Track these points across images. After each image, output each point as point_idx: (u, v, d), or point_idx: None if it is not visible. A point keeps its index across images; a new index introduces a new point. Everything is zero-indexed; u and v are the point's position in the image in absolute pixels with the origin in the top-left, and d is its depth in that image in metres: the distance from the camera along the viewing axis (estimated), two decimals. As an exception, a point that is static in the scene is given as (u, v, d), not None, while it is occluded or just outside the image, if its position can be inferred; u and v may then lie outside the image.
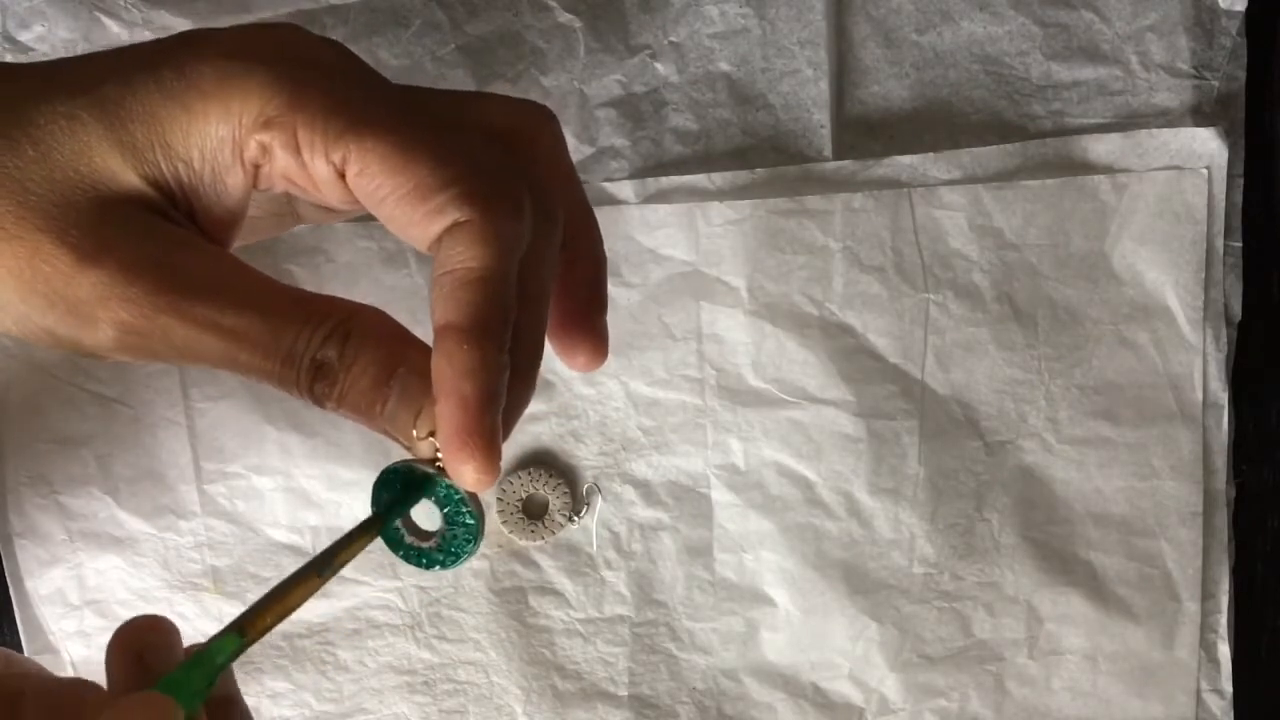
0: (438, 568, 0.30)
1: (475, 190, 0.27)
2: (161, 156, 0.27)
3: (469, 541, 0.29)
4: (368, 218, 0.42)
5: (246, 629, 0.27)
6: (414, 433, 0.27)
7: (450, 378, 0.26)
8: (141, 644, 0.28)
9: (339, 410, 0.27)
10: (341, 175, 0.27)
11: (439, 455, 0.27)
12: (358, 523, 0.28)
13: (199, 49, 0.28)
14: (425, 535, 0.30)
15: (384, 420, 0.27)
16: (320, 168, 0.27)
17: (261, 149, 0.27)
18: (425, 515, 0.29)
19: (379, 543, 0.29)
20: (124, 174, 0.27)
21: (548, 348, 0.30)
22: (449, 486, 0.28)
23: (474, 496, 0.28)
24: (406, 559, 0.30)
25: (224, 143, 0.27)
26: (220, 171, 0.28)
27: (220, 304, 0.27)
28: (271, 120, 0.27)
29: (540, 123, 0.31)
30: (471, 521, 0.29)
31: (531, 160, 0.30)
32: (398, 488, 0.28)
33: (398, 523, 0.29)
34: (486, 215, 0.27)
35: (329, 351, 0.27)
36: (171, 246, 0.27)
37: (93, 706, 0.27)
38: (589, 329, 0.32)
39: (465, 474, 0.26)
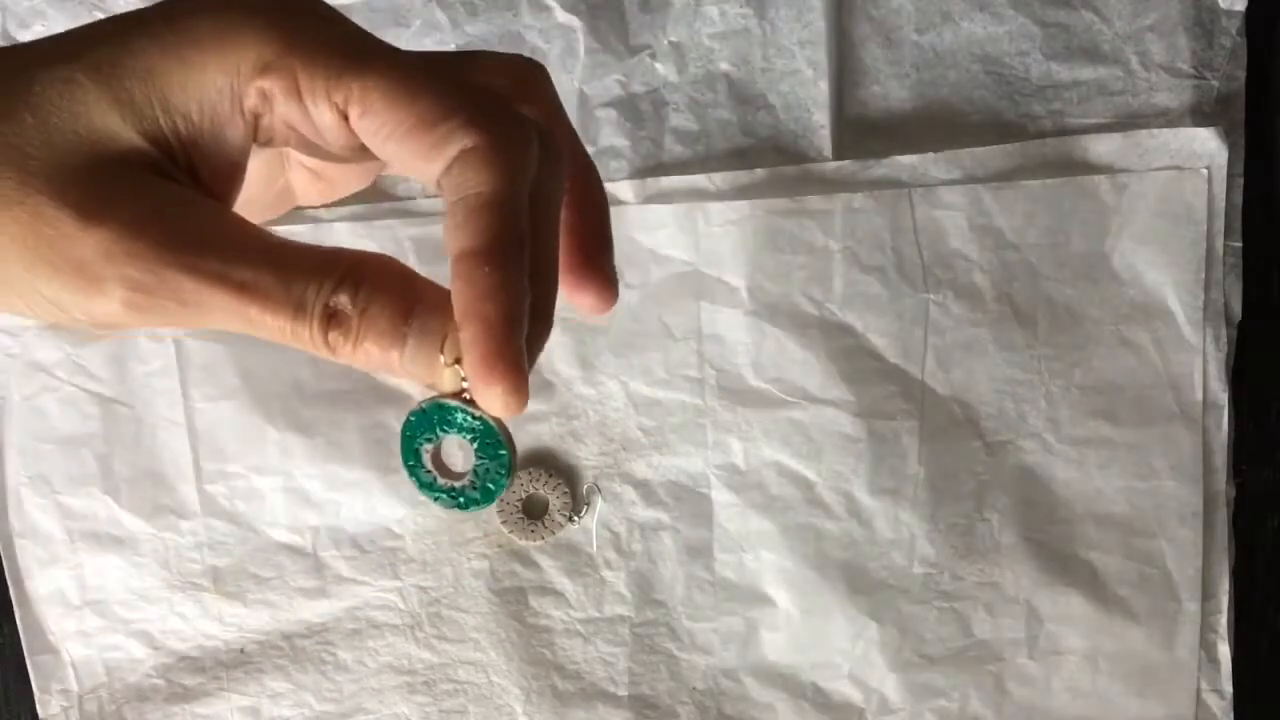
0: (474, 506, 0.29)
1: (480, 117, 0.27)
2: (160, 112, 0.27)
3: (502, 475, 0.28)
4: (365, 217, 0.42)
5: None
6: (439, 362, 0.27)
7: (473, 301, 0.26)
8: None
9: (354, 358, 0.27)
10: (344, 117, 0.27)
11: (465, 386, 0.27)
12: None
13: (193, 3, 0.28)
14: (457, 475, 0.29)
15: (405, 360, 0.27)
16: (322, 111, 0.27)
17: (261, 96, 0.27)
18: (456, 454, 0.29)
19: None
20: (123, 133, 0.27)
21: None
22: (479, 417, 0.27)
23: (504, 427, 0.28)
24: (439, 501, 0.29)
25: (223, 94, 0.27)
26: (220, 124, 0.28)
27: (228, 256, 0.26)
28: (270, 65, 0.27)
29: (533, 73, 0.31)
30: (504, 452, 0.28)
31: (529, 104, 0.30)
32: (427, 427, 0.28)
33: (428, 465, 0.29)
34: (494, 140, 0.26)
35: (341, 298, 0.27)
36: (175, 202, 0.27)
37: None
38: (597, 269, 0.31)
39: (494, 397, 0.26)
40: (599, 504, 0.44)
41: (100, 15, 0.42)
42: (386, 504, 0.43)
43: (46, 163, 0.26)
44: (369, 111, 0.27)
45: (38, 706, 0.44)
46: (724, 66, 0.42)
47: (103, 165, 0.27)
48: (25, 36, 0.42)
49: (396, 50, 0.29)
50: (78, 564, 0.44)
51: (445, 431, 0.28)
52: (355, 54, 0.27)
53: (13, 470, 0.44)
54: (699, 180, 0.42)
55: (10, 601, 0.44)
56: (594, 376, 0.43)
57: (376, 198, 0.42)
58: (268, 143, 0.29)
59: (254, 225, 0.28)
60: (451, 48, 0.42)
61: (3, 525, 0.44)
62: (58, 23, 0.42)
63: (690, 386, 0.43)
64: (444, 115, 0.27)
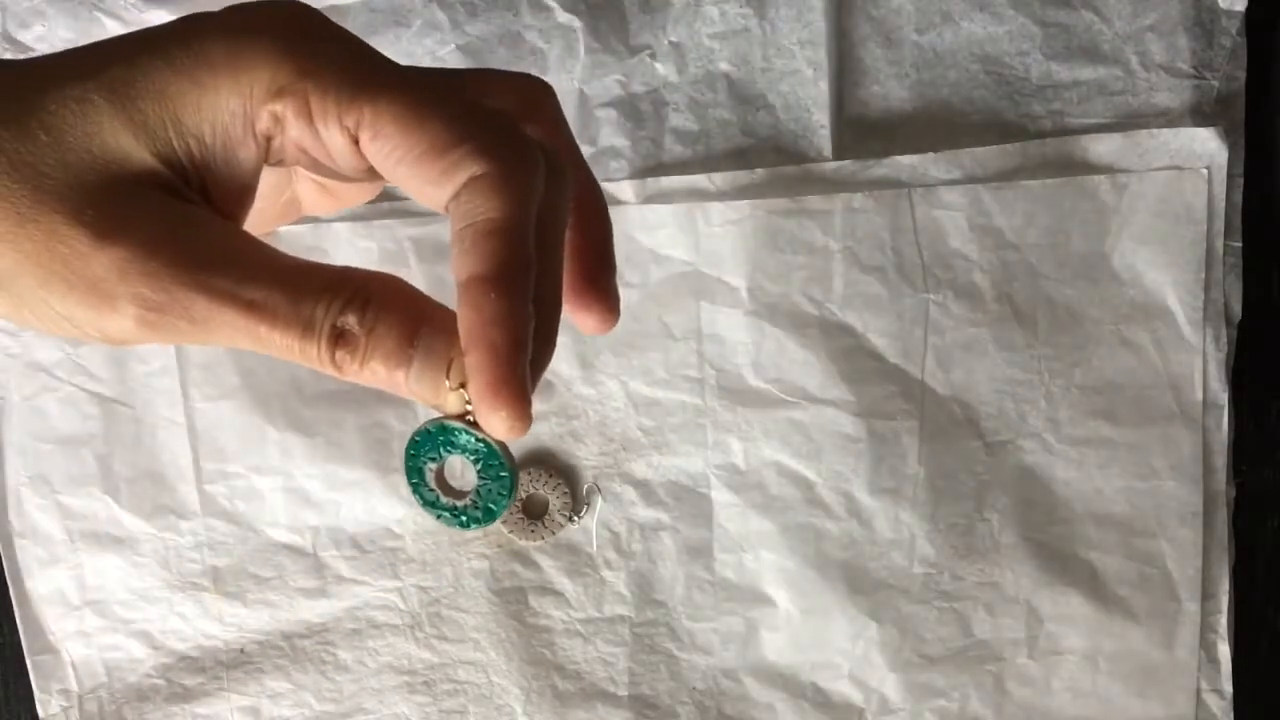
0: (475, 525, 0.30)
1: (489, 144, 0.27)
2: (173, 133, 0.28)
3: (504, 495, 0.29)
4: (365, 217, 0.42)
5: None
6: (444, 385, 0.27)
7: (479, 326, 0.26)
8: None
9: (361, 375, 0.27)
10: (355, 141, 0.28)
11: (469, 409, 0.27)
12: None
13: (206, 25, 0.28)
14: (460, 494, 0.30)
15: (410, 381, 0.27)
16: (334, 134, 0.27)
17: (273, 119, 0.28)
18: (458, 474, 0.30)
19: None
20: (137, 153, 0.27)
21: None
22: (481, 440, 0.28)
23: (506, 450, 0.28)
24: (441, 519, 0.30)
25: (235, 116, 0.28)
26: (232, 146, 0.28)
27: (239, 276, 0.27)
28: (283, 89, 0.27)
29: (539, 92, 0.31)
30: (505, 474, 0.29)
31: (535, 125, 0.30)
32: (430, 448, 0.29)
33: (431, 483, 0.30)
34: (502, 167, 0.27)
35: (349, 318, 0.27)
36: (187, 222, 0.27)
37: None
38: (600, 289, 0.32)
39: (498, 422, 0.26)
40: (599, 504, 0.44)
41: (100, 15, 0.42)
42: (386, 504, 0.43)
43: (61, 181, 0.27)
44: (380, 136, 0.27)
45: (38, 706, 0.44)
46: (724, 66, 0.42)
47: (116, 185, 0.27)
48: (25, 37, 0.42)
49: (407, 71, 0.29)
50: (78, 564, 0.44)
51: (449, 452, 0.29)
52: (367, 77, 0.27)
53: (13, 470, 0.44)
54: (699, 180, 0.42)
55: (10, 601, 0.44)
56: (594, 376, 0.43)
57: (376, 197, 0.42)
58: (279, 163, 0.29)
59: (265, 244, 0.28)
60: (451, 48, 0.42)
61: (3, 525, 0.44)
62: (58, 23, 0.42)
63: (690, 386, 0.43)
64: (454, 142, 0.27)
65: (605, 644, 0.44)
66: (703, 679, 0.44)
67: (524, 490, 0.43)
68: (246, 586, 0.44)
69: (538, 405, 0.43)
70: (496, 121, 0.28)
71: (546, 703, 0.44)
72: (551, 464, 0.43)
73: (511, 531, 0.43)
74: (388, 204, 0.42)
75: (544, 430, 0.43)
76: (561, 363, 0.43)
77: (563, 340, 0.42)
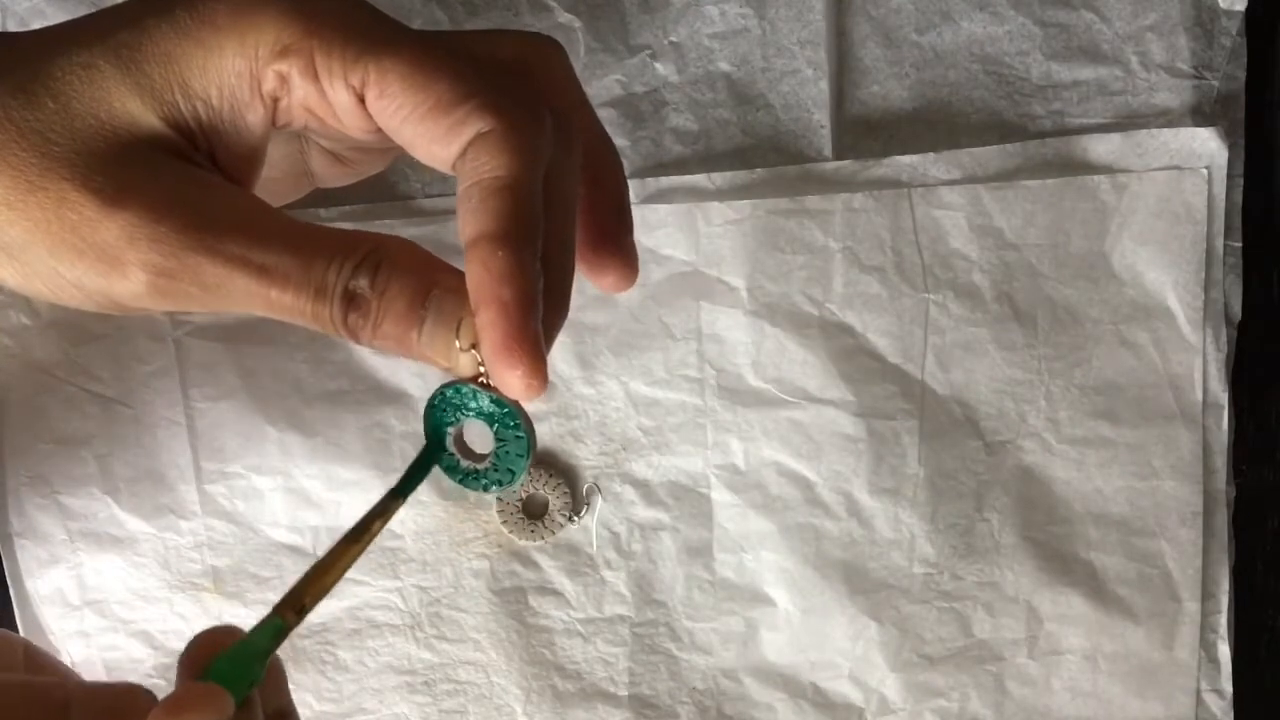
0: (495, 488, 0.30)
1: (495, 101, 0.27)
2: (180, 97, 0.28)
3: (522, 456, 0.29)
4: (364, 216, 0.42)
5: (286, 613, 0.27)
6: (456, 346, 0.27)
7: (489, 285, 0.26)
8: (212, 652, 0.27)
9: (374, 341, 0.27)
10: (361, 100, 0.27)
11: (483, 371, 0.27)
12: (384, 494, 0.29)
13: None
14: (478, 457, 0.30)
15: (422, 344, 0.27)
16: (340, 93, 0.27)
17: (279, 79, 0.27)
18: (477, 437, 0.30)
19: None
20: (144, 118, 0.27)
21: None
22: (496, 401, 0.28)
23: (522, 410, 0.28)
24: (463, 483, 0.30)
25: (241, 77, 0.28)
26: (239, 108, 0.28)
27: (249, 240, 0.27)
28: (288, 48, 0.27)
29: (549, 52, 0.31)
30: (522, 435, 0.28)
31: (545, 84, 0.30)
32: (448, 412, 0.29)
33: (451, 447, 0.29)
34: (509, 124, 0.27)
35: (360, 281, 0.27)
36: (196, 186, 0.27)
37: (142, 712, 0.27)
38: (617, 248, 0.32)
39: (513, 381, 0.26)
40: (599, 504, 0.44)
41: (100, 15, 0.42)
42: (386, 504, 0.43)
43: (68, 148, 0.27)
44: (385, 94, 0.27)
45: (38, 706, 0.44)
46: (724, 66, 0.42)
47: (124, 150, 0.27)
48: (25, 36, 0.42)
49: (415, 32, 0.29)
50: (78, 564, 0.44)
51: (465, 415, 0.28)
52: (373, 36, 0.27)
53: (13, 470, 0.43)
54: (699, 180, 0.42)
55: (10, 601, 0.44)
56: (594, 376, 0.43)
57: (376, 195, 0.42)
58: (286, 125, 0.29)
59: (274, 209, 0.28)
60: (451, 48, 0.42)
61: (3, 525, 0.44)
62: (57, 21, 0.42)
63: (690, 386, 0.43)
64: (460, 99, 0.27)
65: (605, 644, 0.44)
66: (703, 679, 0.44)
67: (524, 490, 0.43)
68: (246, 586, 0.44)
69: (537, 404, 0.43)
70: (503, 78, 0.28)
71: (546, 703, 0.44)
72: (551, 464, 0.43)
73: (511, 531, 0.43)
74: (387, 203, 0.42)
75: (544, 430, 0.43)
76: (561, 363, 0.43)
77: (563, 340, 0.42)
